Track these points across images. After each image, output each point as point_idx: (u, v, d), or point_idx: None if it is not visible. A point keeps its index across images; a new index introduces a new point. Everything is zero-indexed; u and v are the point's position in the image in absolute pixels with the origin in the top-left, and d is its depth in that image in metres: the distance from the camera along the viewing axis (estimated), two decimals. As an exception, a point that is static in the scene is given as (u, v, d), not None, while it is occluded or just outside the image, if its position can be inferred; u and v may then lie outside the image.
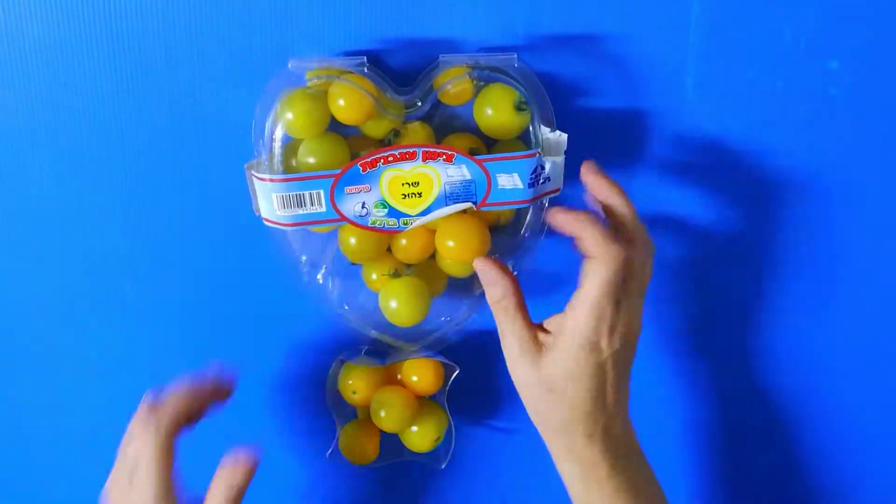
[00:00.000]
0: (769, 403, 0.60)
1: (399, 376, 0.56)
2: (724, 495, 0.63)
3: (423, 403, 0.56)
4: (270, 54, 0.50)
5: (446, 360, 0.55)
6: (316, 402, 0.59)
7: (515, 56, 0.48)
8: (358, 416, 0.57)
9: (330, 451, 0.56)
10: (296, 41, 0.50)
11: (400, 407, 0.54)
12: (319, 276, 0.52)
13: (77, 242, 0.55)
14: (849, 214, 0.55)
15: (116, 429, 0.61)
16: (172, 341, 0.58)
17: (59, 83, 0.51)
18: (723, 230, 0.55)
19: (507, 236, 0.51)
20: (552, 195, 0.49)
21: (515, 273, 0.49)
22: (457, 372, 0.55)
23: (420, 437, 0.56)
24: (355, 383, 0.55)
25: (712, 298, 0.57)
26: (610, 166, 0.53)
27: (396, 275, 0.51)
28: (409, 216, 0.48)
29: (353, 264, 0.52)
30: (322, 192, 0.47)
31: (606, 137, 0.53)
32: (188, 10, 0.49)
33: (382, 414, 0.54)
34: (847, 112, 0.52)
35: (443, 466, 0.58)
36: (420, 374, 0.55)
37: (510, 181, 0.47)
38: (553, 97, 0.49)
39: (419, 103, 0.48)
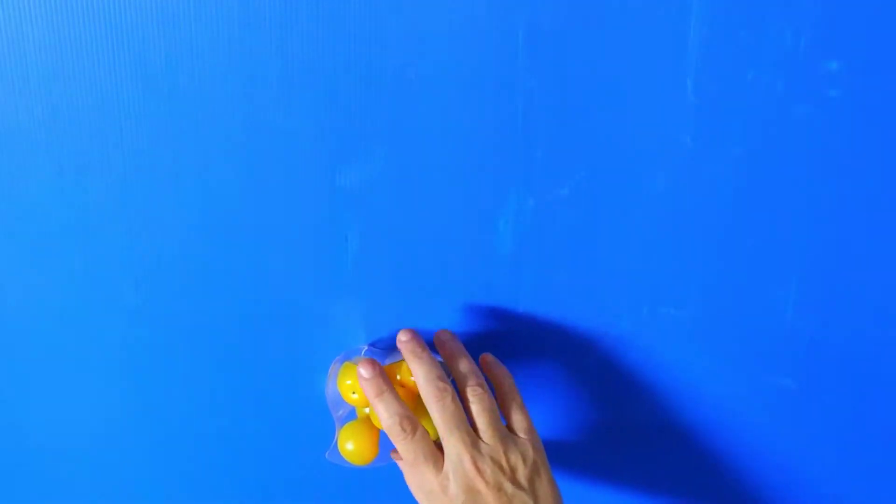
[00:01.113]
0: (769, 406, 0.60)
1: (399, 376, 0.56)
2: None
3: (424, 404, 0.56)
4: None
5: (446, 361, 0.55)
6: (316, 402, 0.59)
7: None
8: (358, 416, 0.57)
9: (329, 451, 0.56)
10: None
11: (400, 407, 0.54)
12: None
13: (76, 244, 0.55)
14: (849, 215, 0.55)
15: (116, 430, 0.61)
16: (172, 342, 0.58)
17: (59, 83, 0.51)
18: (722, 229, 0.55)
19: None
20: None
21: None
22: (457, 372, 0.55)
23: (420, 437, 0.55)
24: (355, 383, 0.55)
25: (711, 299, 0.57)
26: (609, 167, 0.53)
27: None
28: None
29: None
30: None
31: (606, 138, 0.53)
32: (188, 10, 0.50)
33: (382, 414, 0.54)
34: (847, 113, 0.52)
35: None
36: (420, 374, 0.55)
37: None
38: (552, 97, 0.49)
39: None
